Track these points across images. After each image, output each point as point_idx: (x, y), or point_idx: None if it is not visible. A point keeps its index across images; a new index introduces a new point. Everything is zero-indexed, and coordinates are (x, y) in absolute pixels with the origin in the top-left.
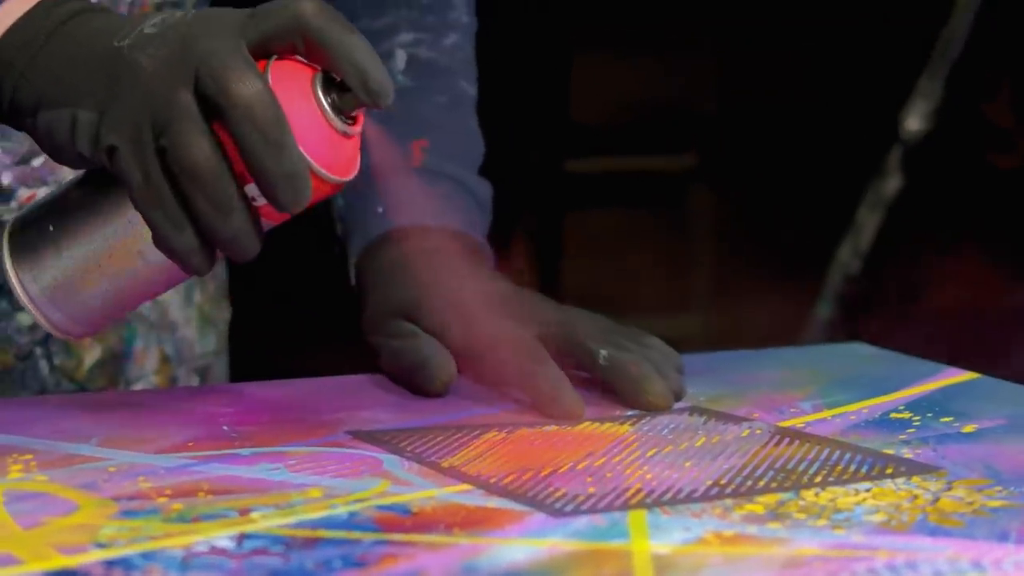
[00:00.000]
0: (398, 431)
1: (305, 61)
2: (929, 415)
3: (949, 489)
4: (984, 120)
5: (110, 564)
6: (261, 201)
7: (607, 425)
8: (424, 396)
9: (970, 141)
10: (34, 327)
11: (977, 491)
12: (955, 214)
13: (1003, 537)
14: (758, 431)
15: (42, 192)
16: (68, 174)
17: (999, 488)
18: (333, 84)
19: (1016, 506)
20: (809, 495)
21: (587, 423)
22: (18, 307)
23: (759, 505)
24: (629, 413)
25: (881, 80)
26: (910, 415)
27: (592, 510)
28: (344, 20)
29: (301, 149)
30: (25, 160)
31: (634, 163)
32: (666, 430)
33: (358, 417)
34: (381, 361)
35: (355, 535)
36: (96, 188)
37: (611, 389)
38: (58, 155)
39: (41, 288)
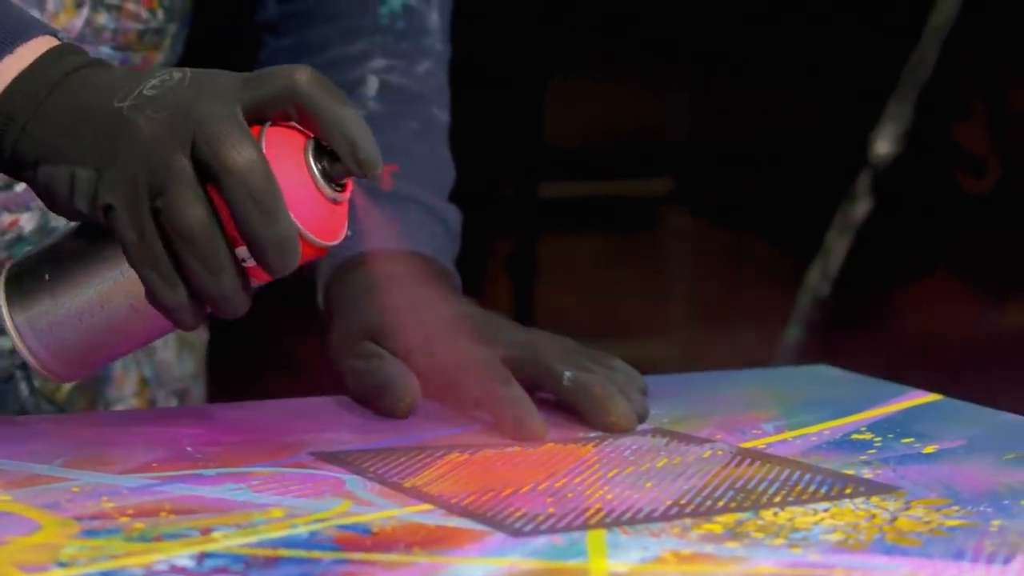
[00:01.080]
0: (362, 452)
1: (298, 128)
2: (890, 436)
3: (907, 509)
4: (955, 145)
5: None
6: (251, 262)
7: (570, 446)
8: (388, 417)
9: (940, 165)
10: (15, 351)
11: (935, 510)
12: (924, 237)
13: (959, 555)
14: (719, 452)
15: (25, 217)
16: None
17: (957, 508)
18: (324, 152)
19: (973, 525)
20: (768, 515)
21: (550, 444)
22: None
23: (718, 525)
24: (592, 434)
25: (851, 103)
26: (871, 436)
27: (551, 530)
28: (336, 90)
29: (291, 215)
30: (8, 186)
31: (608, 187)
32: (628, 451)
33: (322, 438)
34: (346, 383)
35: (315, 554)
36: (91, 241)
37: (575, 410)
38: (56, 209)
39: (35, 333)
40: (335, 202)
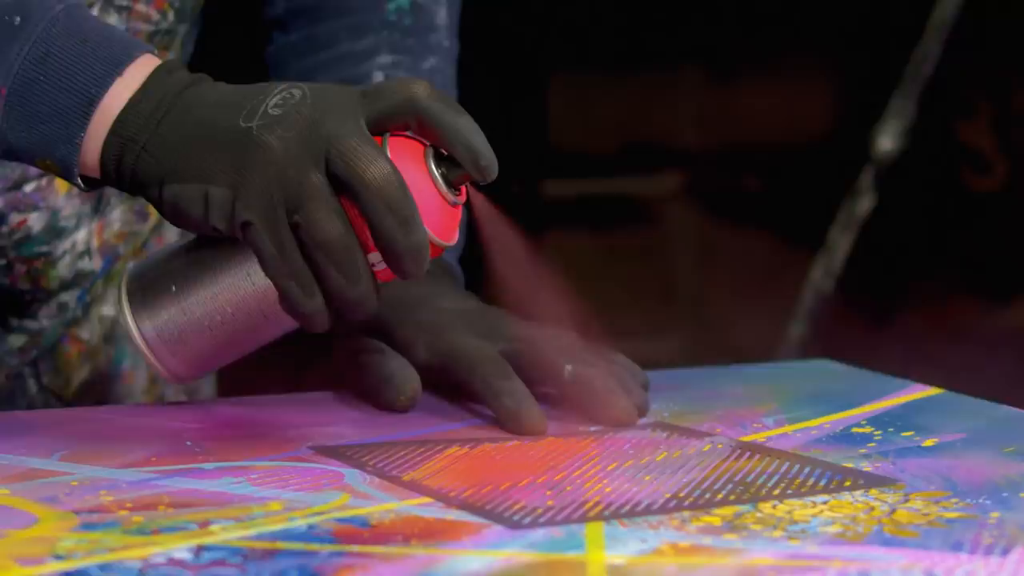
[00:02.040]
0: (361, 446)
1: (413, 136)
2: (890, 429)
3: (906, 501)
4: (960, 143)
5: (67, 575)
6: (380, 266)
7: (570, 440)
8: (389, 411)
9: (943, 161)
10: (25, 348)
11: (934, 503)
12: (927, 234)
13: (957, 547)
14: (719, 446)
15: (33, 217)
16: (59, 199)
17: (956, 500)
18: (442, 158)
19: (971, 517)
20: (766, 507)
21: (550, 438)
22: (8, 329)
23: (716, 517)
24: (593, 429)
25: (853, 100)
26: (871, 429)
27: (550, 522)
28: (452, 100)
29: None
30: (17, 186)
31: (612, 186)
32: (628, 445)
33: (323, 432)
34: (347, 377)
35: (313, 547)
36: (217, 250)
37: (576, 404)
38: (185, 224)
39: (163, 342)
40: (454, 205)
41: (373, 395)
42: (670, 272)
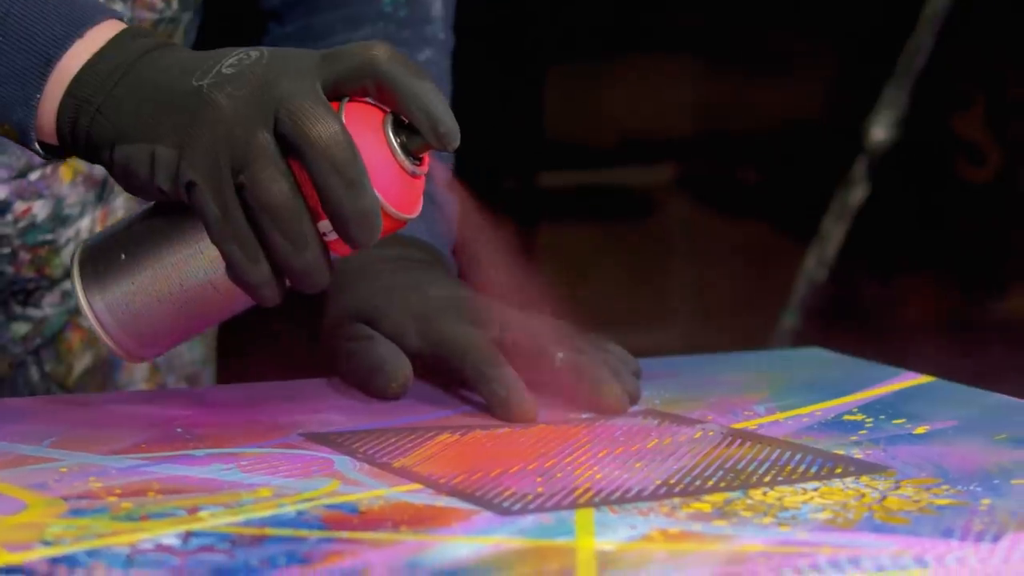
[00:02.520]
0: (351, 433)
1: (375, 103)
2: (882, 417)
3: (897, 488)
4: (954, 134)
5: (54, 561)
6: (332, 236)
7: (561, 427)
8: (380, 399)
9: (936, 151)
10: (28, 337)
11: (925, 490)
12: (921, 223)
13: (947, 534)
14: (710, 433)
15: (38, 205)
16: (64, 187)
17: (947, 487)
18: (402, 126)
19: (962, 504)
20: (757, 494)
21: (541, 425)
22: (12, 317)
23: (706, 504)
24: (583, 416)
25: (847, 90)
26: (863, 417)
27: (540, 509)
28: (415, 65)
29: (374, 189)
30: (22, 174)
31: (608, 177)
32: (619, 432)
33: (313, 419)
34: (338, 364)
35: (302, 533)
36: (167, 220)
37: (566, 392)
38: (134, 189)
39: (112, 314)
40: (414, 175)
41: (364, 382)
42: (664, 262)
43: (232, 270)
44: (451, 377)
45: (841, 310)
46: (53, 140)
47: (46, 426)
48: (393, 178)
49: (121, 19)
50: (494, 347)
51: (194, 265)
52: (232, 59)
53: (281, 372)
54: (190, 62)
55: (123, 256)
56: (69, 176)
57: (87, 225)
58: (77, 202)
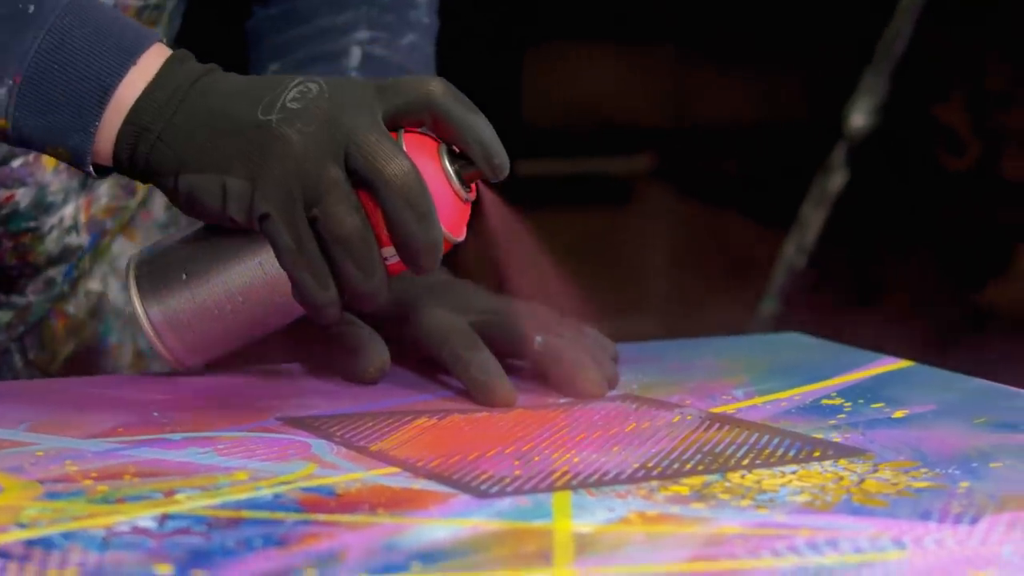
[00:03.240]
0: (329, 417)
1: (427, 133)
2: (860, 401)
3: (875, 471)
4: (935, 122)
5: (30, 543)
6: (393, 260)
7: (539, 412)
8: (358, 383)
9: (915, 138)
10: (12, 324)
11: (903, 473)
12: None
13: (925, 516)
14: (688, 417)
15: (21, 192)
16: (47, 174)
17: (925, 470)
18: (455, 155)
19: (940, 487)
20: (735, 477)
21: (519, 410)
22: None
23: (684, 487)
24: (562, 400)
25: (826, 76)
26: (841, 401)
27: (517, 492)
28: (466, 98)
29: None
30: (4, 161)
31: (586, 165)
32: (597, 416)
33: (290, 403)
34: (316, 348)
35: (278, 515)
36: (229, 239)
37: (545, 376)
38: (200, 214)
39: (172, 328)
40: (465, 201)
41: (342, 366)
42: (643, 250)
43: (300, 294)
44: (430, 362)
45: (820, 297)
46: (108, 163)
47: (22, 410)
48: (449, 205)
49: (162, 41)
50: (473, 332)
51: (256, 285)
52: (294, 91)
53: (265, 358)
54: (248, 90)
55: (184, 275)
56: (52, 164)
57: (70, 212)
58: (60, 189)
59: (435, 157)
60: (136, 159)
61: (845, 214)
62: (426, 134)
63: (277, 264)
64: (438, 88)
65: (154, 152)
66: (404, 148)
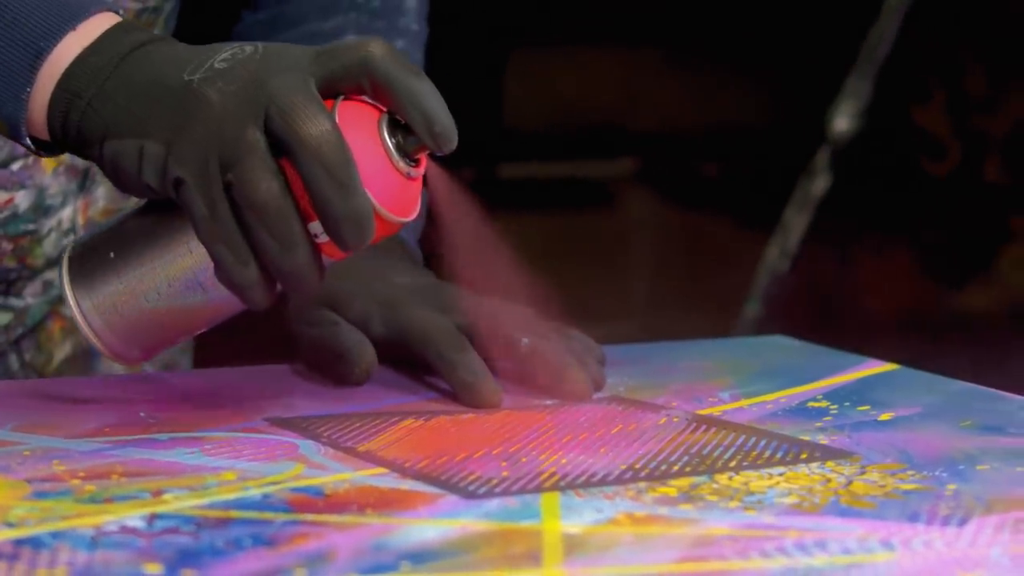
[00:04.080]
0: (316, 418)
1: (370, 102)
2: (847, 404)
3: (863, 473)
4: (915, 126)
5: (19, 543)
6: (324, 238)
7: (525, 413)
8: (344, 384)
9: (899, 142)
10: (9, 327)
11: (890, 475)
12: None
13: (914, 518)
14: (675, 419)
15: (20, 195)
16: (46, 177)
17: (912, 472)
18: (398, 126)
19: (928, 489)
20: (723, 479)
21: (506, 411)
22: None
23: (672, 488)
24: (548, 402)
25: (809, 80)
26: (827, 404)
27: (505, 492)
28: (411, 64)
29: (366, 190)
30: (4, 164)
31: (569, 169)
32: (584, 418)
33: (277, 404)
34: (302, 350)
35: (267, 516)
36: (157, 218)
37: (531, 378)
38: (123, 184)
39: (99, 313)
40: (409, 177)
41: (328, 368)
42: (625, 254)
43: (220, 271)
44: (416, 363)
45: (802, 301)
46: (44, 135)
47: (8, 410)
48: (387, 180)
49: (116, 12)
50: (459, 333)
51: (182, 265)
52: (226, 54)
53: (256, 360)
54: (183, 56)
55: (111, 255)
56: (51, 166)
57: (68, 215)
58: (59, 192)
59: (373, 127)
60: (68, 127)
61: (828, 217)
62: (370, 103)
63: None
64: (377, 50)
65: (84, 119)
66: (338, 116)
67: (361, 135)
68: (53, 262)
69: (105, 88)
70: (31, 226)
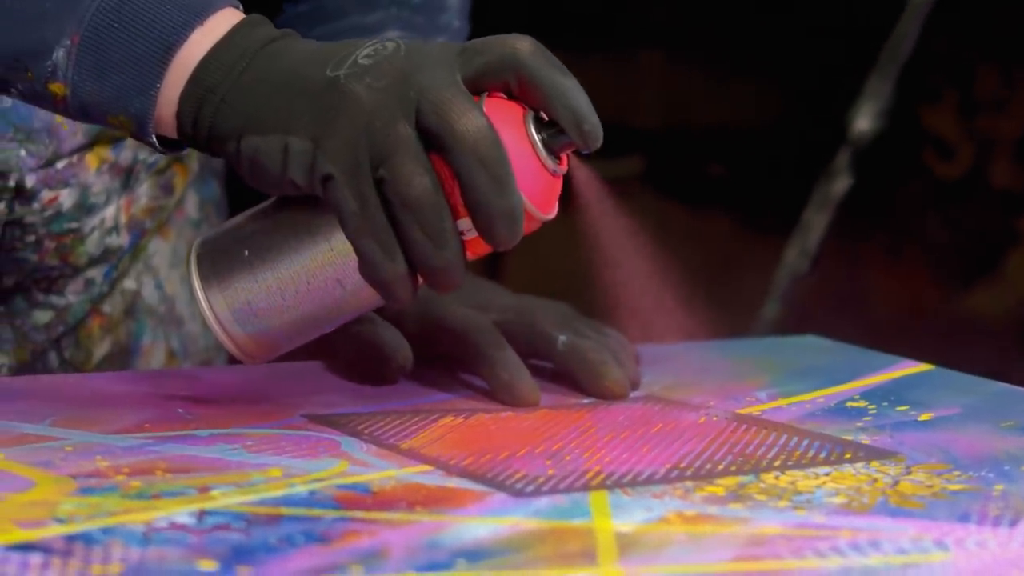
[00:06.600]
0: (354, 415)
1: (514, 99)
2: (885, 404)
3: (908, 473)
4: (925, 129)
5: (71, 538)
6: (471, 235)
7: (563, 412)
8: (379, 382)
9: (919, 143)
10: (51, 324)
11: (936, 475)
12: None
13: (964, 518)
14: (715, 418)
15: (64, 193)
16: (90, 175)
17: (958, 473)
18: (543, 123)
19: (976, 489)
20: (769, 478)
21: (544, 409)
22: (35, 305)
23: (719, 487)
24: (585, 401)
25: (830, 80)
26: (866, 404)
27: (553, 491)
28: (557, 60)
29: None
30: (50, 162)
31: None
32: (622, 416)
33: (314, 401)
34: (337, 347)
35: (316, 512)
36: (294, 214)
37: (569, 376)
38: (262, 182)
39: (233, 312)
40: (554, 174)
41: (363, 365)
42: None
43: (366, 267)
44: (451, 360)
45: (823, 301)
46: (171, 133)
47: (44, 405)
48: (535, 176)
49: (237, 7)
50: (496, 330)
51: (322, 261)
52: (368, 50)
53: (290, 356)
54: (320, 52)
55: (246, 252)
56: (95, 164)
57: (111, 213)
58: (102, 190)
59: (519, 123)
60: (200, 123)
61: (848, 218)
62: (513, 100)
63: (346, 241)
64: (525, 47)
65: (218, 115)
66: (485, 111)
67: (510, 132)
68: (95, 260)
69: (240, 83)
70: (74, 224)
